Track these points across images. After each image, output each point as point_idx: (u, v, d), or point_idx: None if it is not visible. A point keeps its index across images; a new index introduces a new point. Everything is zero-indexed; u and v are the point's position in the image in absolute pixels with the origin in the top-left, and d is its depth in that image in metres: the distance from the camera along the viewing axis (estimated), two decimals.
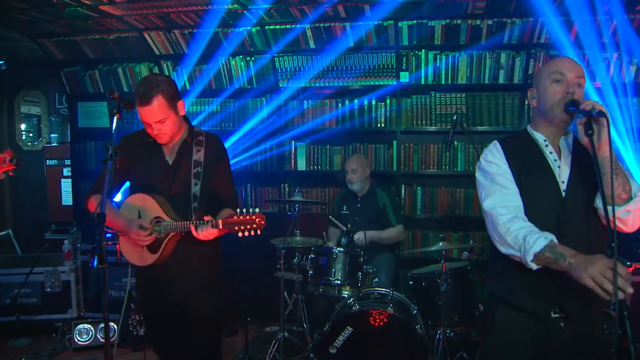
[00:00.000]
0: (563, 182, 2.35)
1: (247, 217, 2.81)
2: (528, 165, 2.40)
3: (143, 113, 2.85)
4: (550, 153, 2.40)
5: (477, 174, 2.51)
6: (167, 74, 5.92)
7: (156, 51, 5.90)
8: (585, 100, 2.18)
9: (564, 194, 2.34)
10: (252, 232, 2.82)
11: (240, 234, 2.81)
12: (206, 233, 2.84)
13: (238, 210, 2.84)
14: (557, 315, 2.32)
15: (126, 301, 3.39)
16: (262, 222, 2.83)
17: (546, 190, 2.36)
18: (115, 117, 2.48)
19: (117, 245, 4.72)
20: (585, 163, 2.29)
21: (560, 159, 2.39)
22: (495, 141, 2.51)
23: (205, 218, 2.84)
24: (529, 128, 2.52)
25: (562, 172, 2.37)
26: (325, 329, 4.02)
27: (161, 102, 2.83)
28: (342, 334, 3.83)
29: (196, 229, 2.85)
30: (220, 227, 2.83)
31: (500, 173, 2.39)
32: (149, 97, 2.80)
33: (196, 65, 5.87)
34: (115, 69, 6.07)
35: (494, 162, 2.43)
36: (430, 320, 4.37)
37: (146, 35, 5.73)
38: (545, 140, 2.43)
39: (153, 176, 3.06)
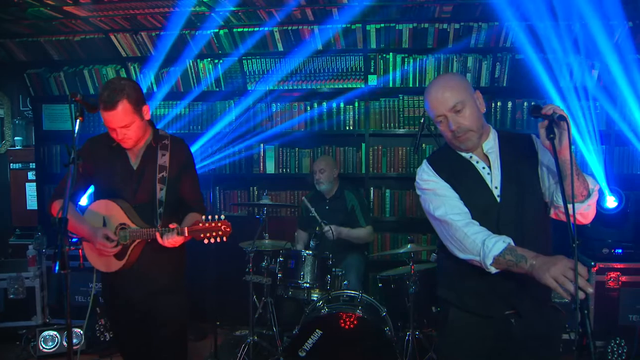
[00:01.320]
0: (496, 187, 2.40)
1: (213, 224, 2.82)
2: (459, 178, 2.44)
3: (107, 118, 2.81)
4: (477, 162, 2.45)
5: (419, 193, 2.55)
6: (134, 76, 5.86)
7: (123, 53, 5.82)
8: (546, 105, 2.22)
9: (498, 199, 2.38)
10: (218, 239, 2.84)
11: (205, 241, 2.83)
12: (172, 240, 2.85)
13: (204, 217, 2.84)
14: (508, 312, 2.36)
15: (91, 306, 3.35)
16: (228, 229, 2.84)
17: (481, 199, 2.40)
18: (77, 121, 2.43)
19: (80, 250, 4.66)
20: (516, 161, 2.37)
21: (489, 166, 2.43)
22: (424, 160, 2.56)
23: (171, 226, 2.84)
24: None
25: (494, 178, 2.41)
26: (294, 332, 4.01)
27: (126, 107, 2.80)
28: (311, 337, 3.83)
29: (162, 236, 2.85)
30: (186, 234, 2.83)
31: (440, 187, 2.44)
32: (114, 102, 2.76)
33: (163, 68, 5.81)
34: (81, 70, 5.97)
35: (429, 179, 2.48)
36: (400, 322, 4.41)
37: (112, 37, 5.65)
38: (469, 154, 2.47)
39: (117, 181, 3.02)
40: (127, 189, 3.01)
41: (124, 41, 5.69)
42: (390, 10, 5.13)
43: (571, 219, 2.04)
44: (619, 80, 5.12)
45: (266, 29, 5.45)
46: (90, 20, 5.29)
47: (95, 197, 3.12)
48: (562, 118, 2.14)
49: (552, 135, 2.17)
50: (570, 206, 2.05)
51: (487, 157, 2.45)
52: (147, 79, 5.84)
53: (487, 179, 2.41)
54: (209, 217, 2.83)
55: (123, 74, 5.89)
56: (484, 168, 2.43)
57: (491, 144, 2.47)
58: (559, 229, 2.37)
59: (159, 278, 3.05)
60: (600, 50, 5.11)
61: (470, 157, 2.46)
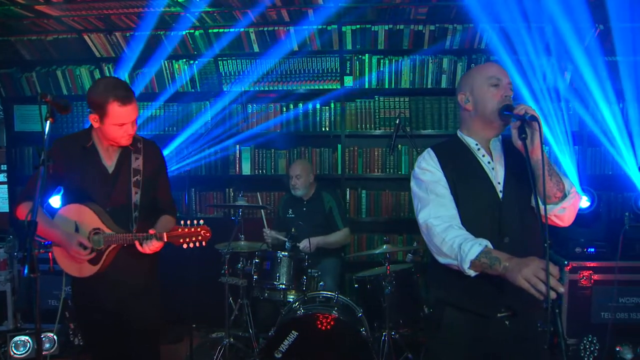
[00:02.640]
0: (499, 183, 2.41)
1: (192, 230, 2.83)
2: (463, 170, 2.44)
3: (124, 113, 2.80)
4: (483, 156, 2.46)
5: (412, 184, 2.54)
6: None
7: (97, 53, 5.75)
8: (518, 105, 2.24)
9: (500, 194, 2.40)
10: (197, 244, 2.84)
11: (185, 246, 2.83)
12: (151, 247, 2.84)
13: (183, 222, 2.83)
14: (503, 314, 2.38)
15: (61, 310, 3.29)
16: (207, 234, 2.86)
17: (483, 193, 2.41)
18: (48, 122, 2.39)
19: (50, 254, 4.59)
20: (518, 162, 2.36)
21: (493, 161, 2.45)
22: (429, 148, 2.54)
23: (150, 231, 2.83)
24: (459, 133, 2.57)
25: (497, 174, 2.43)
26: (270, 333, 3.99)
27: (136, 103, 2.86)
28: (287, 338, 3.82)
29: (141, 243, 2.84)
30: (165, 239, 2.83)
31: (435, 180, 2.43)
32: (131, 97, 2.81)
33: (138, 68, 5.75)
34: (53, 71, 5.88)
35: (428, 169, 2.46)
36: (376, 323, 4.41)
37: (86, 37, 5.58)
38: (477, 145, 2.48)
39: (91, 184, 2.96)
40: (100, 192, 2.96)
41: (97, 41, 5.62)
42: (365, 12, 5.15)
43: (542, 219, 2.06)
44: (590, 83, 5.21)
45: (242, 29, 5.43)
46: (63, 20, 5.22)
47: (65, 199, 3.05)
48: (534, 118, 2.17)
49: (524, 136, 2.20)
50: (542, 208, 2.07)
51: (491, 153, 2.47)
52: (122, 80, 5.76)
53: (491, 174, 2.42)
54: (188, 222, 2.82)
55: (97, 74, 5.82)
56: (489, 163, 2.44)
57: (497, 143, 2.50)
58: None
59: (132, 281, 3.02)
60: (572, 53, 5.19)
61: (479, 149, 2.46)
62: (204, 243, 2.85)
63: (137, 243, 2.84)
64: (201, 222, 2.85)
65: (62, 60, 5.89)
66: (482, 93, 2.43)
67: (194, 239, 2.82)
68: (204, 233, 2.84)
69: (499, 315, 2.37)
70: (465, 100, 2.50)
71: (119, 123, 2.82)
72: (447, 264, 2.31)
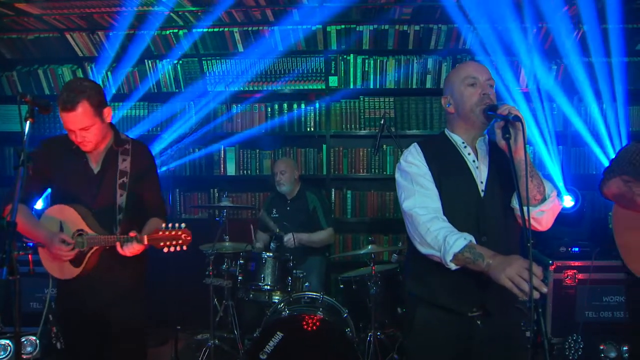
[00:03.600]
0: (482, 182, 2.42)
1: (173, 233, 2.78)
2: (447, 166, 2.44)
3: (67, 119, 2.73)
4: (469, 154, 2.46)
5: (397, 175, 2.54)
6: (91, 76, 5.73)
7: (79, 53, 5.69)
8: (502, 105, 2.24)
9: (482, 194, 2.40)
10: (178, 248, 2.80)
11: (165, 250, 2.79)
12: (131, 249, 2.79)
13: (164, 225, 2.80)
14: (474, 314, 2.38)
15: (45, 312, 3.25)
16: (188, 238, 2.81)
17: (466, 190, 2.41)
18: (28, 122, 2.35)
19: (30, 255, 4.53)
20: (502, 164, 2.37)
21: (478, 160, 2.45)
22: (415, 143, 2.55)
23: (131, 234, 2.78)
24: (446, 131, 2.58)
25: (481, 172, 2.43)
26: (255, 335, 3.98)
27: (86, 109, 2.73)
28: (273, 339, 3.79)
29: (121, 246, 2.80)
30: (145, 242, 2.78)
31: (420, 174, 2.42)
32: (74, 103, 2.70)
33: (121, 68, 5.69)
34: (35, 70, 5.81)
35: (413, 162, 2.46)
36: (361, 323, 4.42)
37: (68, 36, 5.53)
38: (463, 142, 2.48)
39: (76, 185, 2.94)
40: (86, 193, 2.94)
41: (80, 40, 5.57)
42: (350, 12, 5.14)
43: (525, 218, 2.05)
44: (574, 83, 5.25)
45: (226, 29, 5.40)
46: (44, 19, 5.16)
47: (52, 200, 3.02)
48: (517, 118, 2.17)
49: (507, 136, 2.20)
50: (524, 208, 2.07)
51: (477, 153, 2.47)
52: (105, 80, 5.72)
53: (475, 172, 2.42)
54: (169, 225, 2.79)
55: (79, 74, 5.76)
56: (474, 161, 2.44)
57: (482, 143, 2.50)
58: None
59: (117, 285, 2.98)
60: (557, 53, 5.23)
61: (465, 146, 2.47)
62: (184, 247, 2.81)
63: (117, 245, 2.79)
64: (182, 225, 2.81)
65: (43, 59, 5.82)
66: (460, 94, 2.43)
67: (174, 242, 2.78)
68: (184, 237, 2.80)
69: (469, 314, 2.38)
70: (447, 104, 2.52)
71: (67, 128, 2.80)
72: (428, 254, 2.30)
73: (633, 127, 5.42)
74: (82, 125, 2.76)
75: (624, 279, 3.64)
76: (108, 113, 2.90)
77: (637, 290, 3.38)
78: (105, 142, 2.99)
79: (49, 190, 3.06)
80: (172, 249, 2.79)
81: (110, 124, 3.01)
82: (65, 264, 2.90)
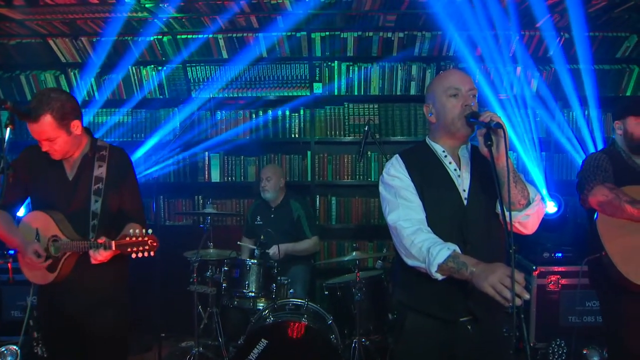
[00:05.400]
0: (464, 190, 2.43)
1: (140, 239, 2.78)
2: (429, 176, 2.45)
3: (31, 129, 2.78)
4: (450, 163, 2.47)
5: (381, 188, 2.55)
6: (74, 82, 5.69)
7: (62, 59, 5.65)
8: (484, 112, 2.25)
9: (465, 202, 2.41)
10: (145, 254, 2.79)
11: (133, 255, 2.78)
12: (99, 256, 2.80)
13: (131, 230, 2.79)
14: (464, 319, 2.39)
15: (26, 320, 3.22)
16: (155, 244, 2.80)
17: (448, 199, 2.42)
18: (8, 129, 2.34)
19: (10, 264, 4.48)
20: (484, 171, 2.38)
21: (460, 169, 2.47)
22: (397, 155, 2.55)
23: (99, 240, 2.78)
24: (427, 140, 2.59)
25: (463, 181, 2.44)
26: (239, 342, 3.96)
27: (49, 121, 2.76)
28: (257, 346, 3.78)
29: (91, 251, 2.82)
30: (113, 248, 2.78)
31: (403, 187, 2.44)
32: (37, 115, 2.73)
33: (104, 74, 5.67)
34: (17, 76, 5.75)
35: (396, 175, 2.47)
36: (346, 330, 4.40)
37: (51, 42, 5.49)
38: (444, 152, 2.49)
39: (53, 192, 2.98)
40: (61, 199, 2.97)
41: (63, 46, 5.53)
42: (334, 19, 5.15)
43: (507, 226, 2.08)
44: (557, 89, 5.30)
45: (210, 35, 5.40)
46: (26, 24, 5.11)
47: (32, 207, 3.06)
48: (499, 125, 2.18)
49: (489, 143, 2.21)
50: (507, 213, 2.10)
51: (459, 161, 2.48)
52: (89, 86, 5.68)
53: (457, 181, 2.43)
54: (137, 231, 2.79)
55: (63, 80, 5.72)
56: (455, 170, 2.45)
57: (465, 151, 2.51)
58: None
59: (96, 291, 3.00)
60: (540, 60, 5.28)
61: (445, 155, 2.48)
62: (152, 253, 2.79)
63: (91, 252, 2.81)
64: (149, 231, 2.80)
65: (25, 65, 5.77)
66: (442, 104, 2.43)
67: (141, 248, 2.77)
68: (151, 243, 2.78)
69: (461, 319, 2.39)
70: (429, 113, 2.52)
71: (35, 138, 2.84)
72: (414, 266, 2.32)
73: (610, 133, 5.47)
74: (46, 137, 2.80)
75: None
76: (76, 126, 2.89)
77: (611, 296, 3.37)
78: (80, 150, 3.02)
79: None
80: (139, 254, 2.77)
81: (86, 130, 3.05)
82: (43, 270, 2.94)
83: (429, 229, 2.35)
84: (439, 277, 2.22)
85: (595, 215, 3.26)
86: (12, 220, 3.01)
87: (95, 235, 2.93)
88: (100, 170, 3.00)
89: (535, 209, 2.34)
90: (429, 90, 2.54)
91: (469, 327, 2.39)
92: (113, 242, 2.77)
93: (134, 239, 2.77)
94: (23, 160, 3.01)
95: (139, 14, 4.87)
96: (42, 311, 3.14)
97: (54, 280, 2.94)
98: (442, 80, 2.48)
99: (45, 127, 2.75)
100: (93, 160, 3.02)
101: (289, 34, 5.36)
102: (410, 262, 2.33)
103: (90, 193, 2.97)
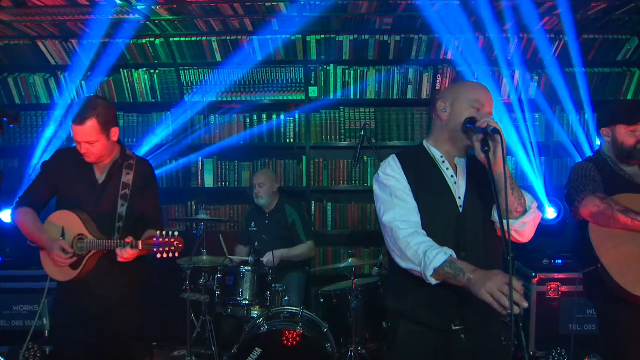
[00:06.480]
0: (460, 197, 2.40)
1: (167, 240, 2.97)
2: (425, 181, 2.42)
3: (75, 131, 3.01)
4: (447, 169, 2.45)
5: (375, 187, 2.50)
6: (64, 85, 5.60)
7: (52, 61, 5.56)
8: (481, 118, 2.22)
9: (461, 209, 2.39)
10: (170, 254, 2.99)
11: (159, 255, 2.97)
12: (125, 254, 2.99)
13: (159, 232, 2.98)
14: (457, 327, 2.34)
15: (32, 331, 3.61)
16: (180, 245, 3.01)
17: (444, 206, 2.39)
18: None
19: None
20: (480, 178, 2.37)
21: (457, 175, 2.44)
22: (393, 155, 2.52)
23: (127, 240, 2.98)
24: (425, 143, 2.56)
25: (459, 188, 2.42)
26: (233, 351, 3.90)
27: (94, 125, 3.00)
28: (251, 355, 3.75)
29: (117, 250, 3.00)
30: (140, 247, 2.98)
31: (399, 187, 2.40)
32: (83, 118, 2.97)
33: (96, 78, 5.58)
34: (5, 79, 5.66)
35: (392, 175, 2.43)
36: (342, 338, 4.34)
37: (40, 44, 5.41)
38: (442, 157, 2.47)
39: (81, 193, 3.18)
40: (89, 201, 3.17)
41: (52, 48, 5.45)
42: (330, 22, 5.10)
43: (505, 232, 2.06)
44: (556, 93, 5.26)
45: (204, 38, 5.33)
46: (15, 26, 5.02)
47: (57, 206, 3.25)
48: (496, 131, 2.16)
49: (486, 149, 2.18)
50: (504, 220, 2.07)
51: (456, 168, 2.45)
52: (79, 89, 5.60)
53: (453, 188, 2.41)
54: (164, 232, 2.97)
55: (52, 82, 5.64)
56: (452, 177, 2.43)
57: (461, 160, 2.48)
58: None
59: (113, 290, 3.15)
60: (538, 64, 5.24)
61: (443, 161, 2.45)
62: (177, 254, 2.99)
63: (118, 250, 2.98)
64: (176, 233, 2.99)
65: (14, 67, 5.70)
66: (461, 110, 2.40)
67: (167, 249, 2.96)
68: (177, 244, 2.98)
69: (454, 328, 2.34)
70: (443, 109, 2.47)
71: (75, 139, 3.07)
72: (409, 269, 2.28)
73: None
74: (88, 140, 3.03)
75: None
76: (115, 132, 3.15)
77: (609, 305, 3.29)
78: (111, 157, 3.25)
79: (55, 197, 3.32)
80: (165, 255, 2.96)
81: (119, 141, 3.27)
82: (64, 267, 3.12)
83: (424, 232, 2.31)
84: (434, 281, 2.18)
85: (588, 226, 3.17)
86: (38, 218, 3.21)
87: (120, 237, 3.13)
88: (127, 177, 3.23)
89: (532, 217, 2.31)
90: (452, 90, 2.52)
91: (463, 336, 2.34)
92: (140, 242, 2.98)
93: (160, 239, 2.96)
94: (54, 162, 3.26)
95: (132, 17, 4.79)
96: (60, 306, 3.28)
97: (76, 278, 3.12)
98: (471, 89, 2.46)
99: (89, 131, 3.00)
100: (122, 168, 3.25)
101: (284, 37, 5.29)
102: (404, 264, 2.29)
103: (118, 197, 3.19)
